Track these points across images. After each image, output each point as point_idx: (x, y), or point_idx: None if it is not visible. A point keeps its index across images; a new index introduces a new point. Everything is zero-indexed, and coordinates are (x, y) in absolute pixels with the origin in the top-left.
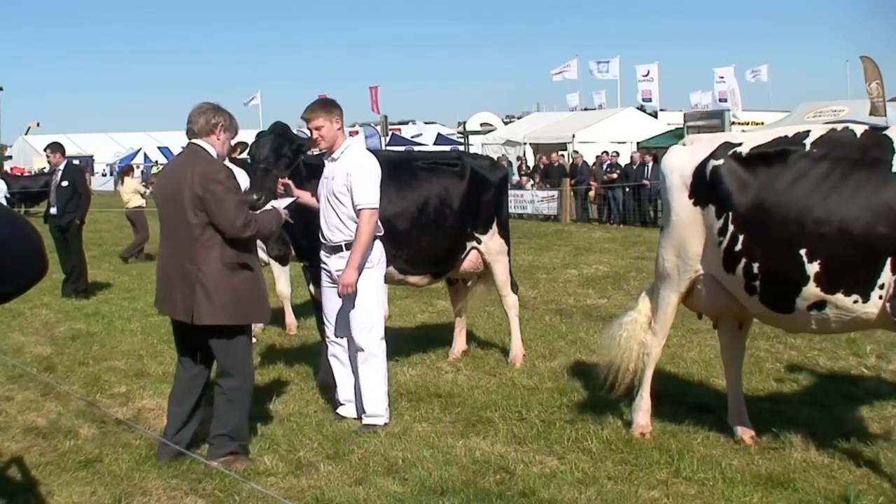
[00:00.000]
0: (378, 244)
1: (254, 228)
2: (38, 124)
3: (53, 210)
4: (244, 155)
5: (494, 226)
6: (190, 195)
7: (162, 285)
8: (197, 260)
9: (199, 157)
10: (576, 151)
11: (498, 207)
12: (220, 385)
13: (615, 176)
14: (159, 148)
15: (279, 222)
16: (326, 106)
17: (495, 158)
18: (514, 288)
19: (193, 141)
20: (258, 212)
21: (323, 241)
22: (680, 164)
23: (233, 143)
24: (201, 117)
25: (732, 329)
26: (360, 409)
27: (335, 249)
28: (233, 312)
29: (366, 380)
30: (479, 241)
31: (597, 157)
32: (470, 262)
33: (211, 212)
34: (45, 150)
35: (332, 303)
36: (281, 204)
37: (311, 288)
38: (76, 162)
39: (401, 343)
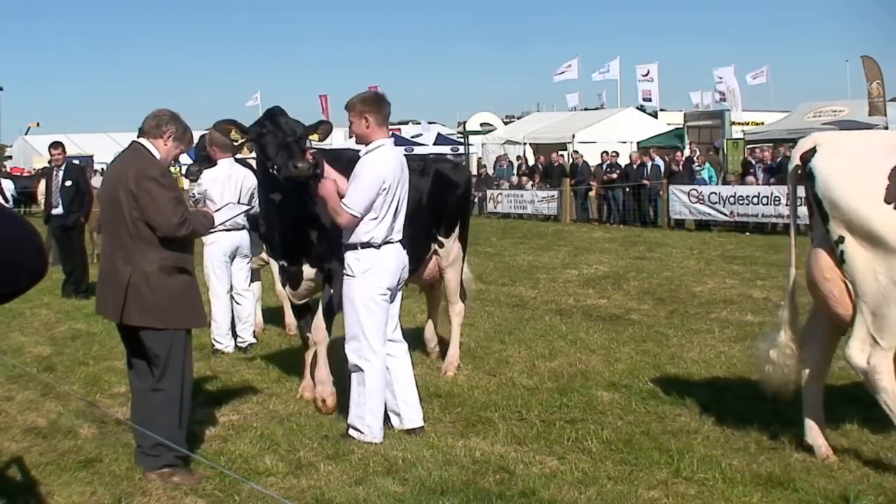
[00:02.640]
0: (371, 253)
1: (188, 227)
2: (38, 124)
3: (59, 210)
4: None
5: (457, 229)
6: (125, 193)
7: (98, 284)
8: (133, 260)
9: (138, 156)
10: (576, 151)
11: (461, 211)
12: (155, 388)
13: (615, 176)
14: None
15: (212, 224)
16: (364, 101)
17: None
18: (463, 296)
19: (137, 139)
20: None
21: None
22: (860, 166)
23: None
24: (154, 119)
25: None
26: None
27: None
28: (164, 316)
29: (352, 390)
30: (441, 245)
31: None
32: (430, 264)
33: (145, 209)
34: (50, 147)
35: None
36: (234, 210)
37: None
38: (76, 161)
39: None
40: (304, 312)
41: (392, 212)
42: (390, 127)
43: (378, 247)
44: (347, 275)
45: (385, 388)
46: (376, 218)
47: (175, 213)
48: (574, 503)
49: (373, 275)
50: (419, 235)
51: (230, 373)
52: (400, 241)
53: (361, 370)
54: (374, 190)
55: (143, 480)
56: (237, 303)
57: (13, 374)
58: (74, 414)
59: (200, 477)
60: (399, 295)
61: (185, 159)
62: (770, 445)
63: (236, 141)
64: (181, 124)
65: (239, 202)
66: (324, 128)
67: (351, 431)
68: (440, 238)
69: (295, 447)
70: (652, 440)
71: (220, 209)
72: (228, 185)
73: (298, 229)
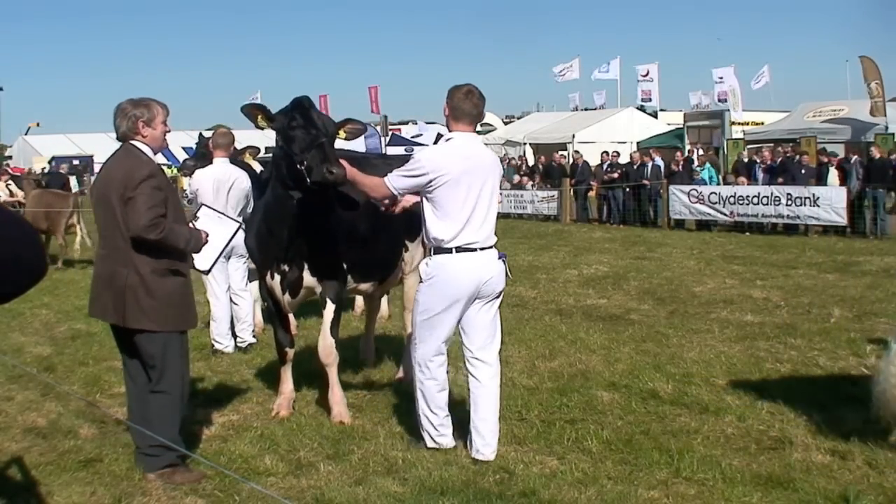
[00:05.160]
0: (440, 260)
1: (160, 232)
2: (38, 124)
3: None
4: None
5: (421, 232)
6: (117, 195)
7: (93, 287)
8: (129, 262)
9: (128, 156)
10: (576, 151)
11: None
12: (153, 390)
13: (615, 176)
14: None
15: (198, 243)
16: (449, 91)
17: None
18: None
19: (130, 142)
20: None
21: None
22: None
23: (209, 134)
24: (122, 121)
25: None
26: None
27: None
28: (159, 318)
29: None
30: (407, 249)
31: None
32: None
33: (128, 209)
34: None
35: None
36: (229, 228)
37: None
38: (75, 162)
39: (400, 343)
40: (282, 322)
41: (463, 213)
42: (390, 127)
43: (450, 252)
44: (422, 281)
45: (442, 397)
46: (440, 215)
47: (145, 215)
48: (574, 503)
49: (437, 283)
50: (395, 237)
51: (230, 373)
52: (488, 247)
53: (415, 375)
54: (412, 175)
55: (143, 480)
56: (234, 303)
57: (13, 374)
58: (74, 414)
59: (200, 476)
60: (490, 308)
61: (182, 155)
62: (770, 445)
63: (262, 128)
64: (141, 105)
65: (230, 204)
66: (351, 126)
67: (423, 434)
68: (407, 242)
69: (295, 447)
70: (652, 440)
71: (215, 215)
72: (219, 186)
73: (310, 234)
